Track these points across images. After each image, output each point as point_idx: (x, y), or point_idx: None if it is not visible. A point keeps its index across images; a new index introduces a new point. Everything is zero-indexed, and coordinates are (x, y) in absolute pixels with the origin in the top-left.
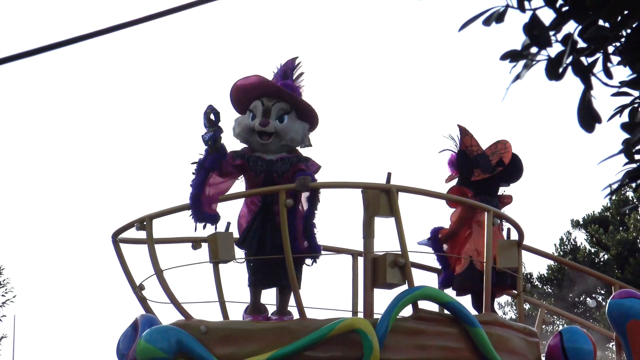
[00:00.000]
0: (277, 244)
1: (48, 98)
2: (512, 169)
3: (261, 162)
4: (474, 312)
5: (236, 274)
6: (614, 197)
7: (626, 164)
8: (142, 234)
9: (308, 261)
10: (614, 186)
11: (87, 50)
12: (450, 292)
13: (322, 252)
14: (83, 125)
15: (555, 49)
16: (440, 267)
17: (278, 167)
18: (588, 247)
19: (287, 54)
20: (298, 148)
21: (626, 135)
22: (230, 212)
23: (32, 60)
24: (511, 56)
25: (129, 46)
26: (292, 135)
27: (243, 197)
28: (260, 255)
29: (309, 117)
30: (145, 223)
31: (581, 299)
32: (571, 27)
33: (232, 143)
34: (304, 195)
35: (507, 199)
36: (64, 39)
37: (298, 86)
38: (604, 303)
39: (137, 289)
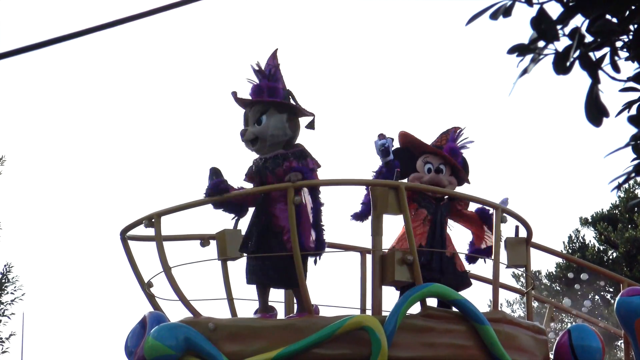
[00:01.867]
0: (276, 244)
1: (56, 95)
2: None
3: (260, 162)
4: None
5: (244, 271)
6: (622, 195)
7: (634, 159)
8: (151, 231)
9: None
10: (621, 179)
11: (93, 45)
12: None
13: (332, 249)
14: (91, 123)
15: (563, 43)
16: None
17: (269, 164)
18: (597, 244)
19: (293, 46)
20: (298, 141)
21: (634, 130)
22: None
23: (34, 56)
24: (518, 50)
25: (136, 42)
26: (271, 131)
27: (250, 193)
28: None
29: (285, 107)
30: (153, 220)
31: (590, 296)
32: (578, 21)
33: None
34: (306, 192)
35: None
36: (60, 36)
37: (276, 80)
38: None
39: (146, 286)
